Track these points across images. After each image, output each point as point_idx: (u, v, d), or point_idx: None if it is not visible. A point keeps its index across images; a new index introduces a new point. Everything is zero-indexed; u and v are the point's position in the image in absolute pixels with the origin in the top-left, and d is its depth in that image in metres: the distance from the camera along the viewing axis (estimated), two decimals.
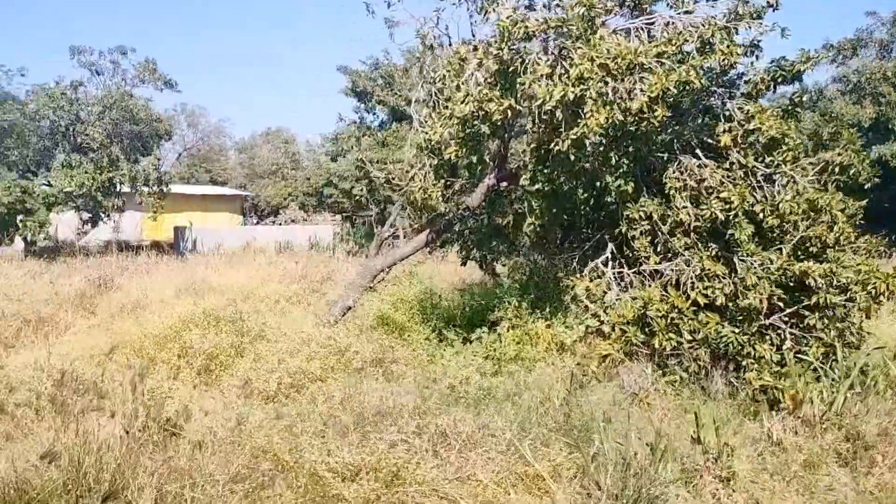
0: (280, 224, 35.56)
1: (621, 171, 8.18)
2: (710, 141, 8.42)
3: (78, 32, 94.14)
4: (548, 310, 8.99)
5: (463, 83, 7.49)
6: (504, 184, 10.11)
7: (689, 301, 7.71)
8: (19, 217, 22.36)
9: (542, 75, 7.10)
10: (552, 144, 7.29)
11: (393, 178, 10.66)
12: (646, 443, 5.08)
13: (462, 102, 7.26)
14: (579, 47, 7.06)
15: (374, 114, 25.96)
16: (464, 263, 12.23)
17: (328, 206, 38.16)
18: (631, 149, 8.17)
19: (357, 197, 26.96)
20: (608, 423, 5.93)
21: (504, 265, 12.65)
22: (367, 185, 20.36)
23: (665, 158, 8.47)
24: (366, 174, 16.01)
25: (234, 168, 59.75)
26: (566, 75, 7.10)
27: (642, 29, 8.36)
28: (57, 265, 18.57)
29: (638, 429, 6.09)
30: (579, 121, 6.98)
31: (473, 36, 9.01)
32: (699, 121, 8.77)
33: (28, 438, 5.35)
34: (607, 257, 8.72)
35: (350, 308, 10.42)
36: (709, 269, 7.74)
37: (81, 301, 13.17)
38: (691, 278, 7.78)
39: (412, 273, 12.89)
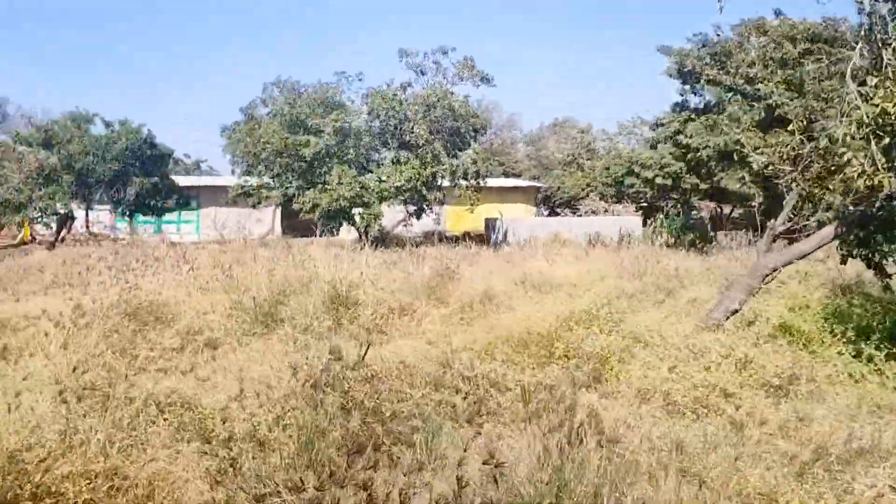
0: (580, 215, 35.05)
1: None
2: None
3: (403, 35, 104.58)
4: None
5: None
6: None
7: None
8: (356, 210, 24.49)
9: None
10: None
11: (773, 164, 9.16)
12: None
13: None
14: None
15: (701, 95, 24.06)
16: (843, 261, 10.31)
17: (628, 196, 36.79)
18: None
19: (685, 187, 25.13)
20: None
21: None
22: (747, 171, 18.65)
23: None
24: (742, 159, 14.49)
25: (522, 160, 60.92)
26: None
27: None
28: (393, 254, 19.78)
29: None
30: None
31: None
32: None
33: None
34: None
35: (736, 311, 9.18)
36: None
37: (432, 290, 13.54)
38: None
39: (806, 273, 11.22)
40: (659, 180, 27.49)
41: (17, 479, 4.56)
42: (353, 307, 11.71)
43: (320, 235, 25.28)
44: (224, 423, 5.55)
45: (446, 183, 25.50)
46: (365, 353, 6.59)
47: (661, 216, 27.77)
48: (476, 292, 13.08)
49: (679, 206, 31.20)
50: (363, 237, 24.71)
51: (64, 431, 5.10)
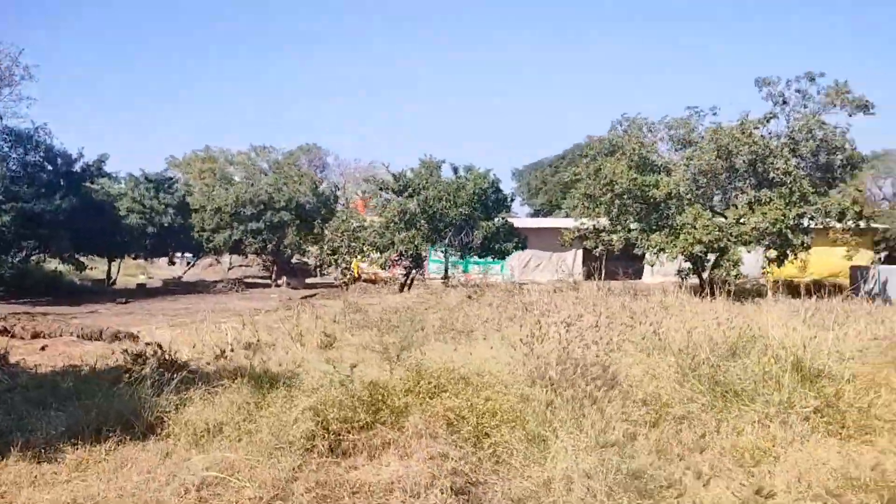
0: None
1: None
2: None
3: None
4: None
5: None
6: None
7: None
8: (708, 255, 22.45)
9: None
10: None
11: None
12: None
13: None
14: None
15: None
16: None
17: None
18: None
19: None
20: None
21: None
22: None
23: None
24: None
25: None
26: None
27: None
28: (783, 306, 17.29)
29: None
30: None
31: None
32: None
33: None
34: None
35: None
36: None
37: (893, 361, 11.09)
38: None
39: None
40: None
41: None
42: (819, 379, 9.78)
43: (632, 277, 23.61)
44: None
45: (813, 224, 22.47)
46: None
47: None
48: None
49: None
50: (705, 285, 22.59)
51: None
